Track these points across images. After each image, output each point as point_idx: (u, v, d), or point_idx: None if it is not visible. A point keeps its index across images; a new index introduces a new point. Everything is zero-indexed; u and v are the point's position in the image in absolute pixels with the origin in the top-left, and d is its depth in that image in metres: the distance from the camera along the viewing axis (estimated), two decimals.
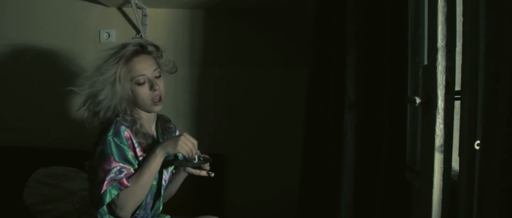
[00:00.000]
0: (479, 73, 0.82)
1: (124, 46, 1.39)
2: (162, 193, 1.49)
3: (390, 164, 1.22)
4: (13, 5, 2.29)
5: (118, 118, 1.36)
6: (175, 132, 1.62)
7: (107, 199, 1.26)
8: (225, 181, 2.23)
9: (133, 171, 1.33)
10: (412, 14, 1.35)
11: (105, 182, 1.27)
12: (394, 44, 1.21)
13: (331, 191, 1.51)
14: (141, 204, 1.36)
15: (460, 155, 0.92)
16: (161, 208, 1.52)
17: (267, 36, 2.19)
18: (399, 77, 1.22)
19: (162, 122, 1.57)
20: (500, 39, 0.74)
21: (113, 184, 1.27)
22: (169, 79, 1.54)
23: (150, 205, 1.45)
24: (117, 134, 1.33)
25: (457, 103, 0.94)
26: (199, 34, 2.22)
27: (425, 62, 1.22)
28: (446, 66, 0.92)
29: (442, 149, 0.92)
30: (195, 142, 1.35)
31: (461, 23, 0.91)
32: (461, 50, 0.91)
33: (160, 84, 1.42)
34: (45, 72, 2.26)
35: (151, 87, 1.39)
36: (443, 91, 0.92)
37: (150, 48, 1.45)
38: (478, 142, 0.80)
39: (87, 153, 1.42)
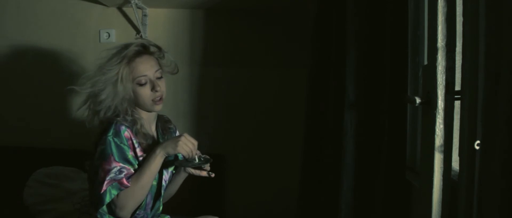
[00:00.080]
0: (479, 73, 0.82)
1: (126, 46, 1.39)
2: (162, 193, 1.49)
3: (390, 164, 1.22)
4: (13, 5, 2.29)
5: (118, 118, 1.36)
6: (175, 132, 1.62)
7: (107, 199, 1.26)
8: (225, 181, 2.23)
9: (133, 171, 1.33)
10: (412, 14, 1.35)
11: (105, 182, 1.27)
12: (394, 44, 1.21)
13: (331, 191, 1.51)
14: (141, 204, 1.36)
15: (460, 155, 0.92)
16: (161, 208, 1.52)
17: (267, 36, 2.19)
18: (399, 77, 1.22)
19: (162, 122, 1.57)
20: (500, 39, 0.74)
21: (113, 184, 1.27)
22: (169, 79, 1.55)
23: (150, 205, 1.45)
24: (117, 134, 1.33)
25: (457, 103, 0.94)
26: (199, 34, 2.22)
27: (425, 62, 1.22)
28: (446, 66, 0.92)
29: (442, 149, 0.92)
30: (195, 143, 1.35)
31: (461, 23, 0.91)
32: (461, 50, 0.91)
33: (162, 85, 1.42)
34: (45, 72, 2.26)
35: (153, 88, 1.39)
36: (443, 91, 0.92)
37: (152, 48, 1.45)
38: (478, 142, 0.80)
39: (87, 153, 1.42)
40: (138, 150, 1.38)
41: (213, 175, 1.46)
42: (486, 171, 0.77)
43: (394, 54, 1.21)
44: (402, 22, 1.20)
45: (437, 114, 0.92)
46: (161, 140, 1.49)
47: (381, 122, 1.26)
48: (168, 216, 1.59)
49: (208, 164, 1.45)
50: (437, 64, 0.92)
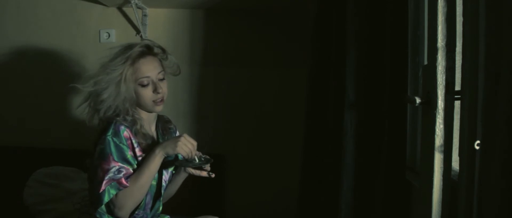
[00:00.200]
0: (479, 73, 0.82)
1: (131, 46, 1.39)
2: (162, 193, 1.49)
3: (390, 164, 1.22)
4: (13, 5, 2.29)
5: (118, 118, 1.36)
6: (176, 133, 1.62)
7: (106, 199, 1.26)
8: (225, 181, 2.23)
9: (132, 171, 1.33)
10: (412, 14, 1.35)
11: (104, 182, 1.27)
12: (394, 44, 1.21)
13: (331, 191, 1.51)
14: (140, 204, 1.36)
15: (460, 155, 0.92)
16: (161, 208, 1.52)
17: (267, 36, 2.18)
18: (399, 77, 1.22)
19: (162, 122, 1.57)
20: (500, 39, 0.74)
21: (112, 183, 1.27)
22: (169, 80, 1.54)
23: (150, 205, 1.45)
24: (117, 133, 1.33)
25: (457, 103, 0.93)
26: (199, 34, 2.22)
27: (425, 62, 1.22)
28: (446, 66, 0.92)
29: (442, 149, 0.92)
30: (195, 143, 1.35)
31: (461, 23, 0.91)
32: (461, 50, 0.91)
33: (163, 87, 1.42)
34: (45, 72, 2.26)
35: (154, 90, 1.39)
36: (443, 91, 0.92)
37: (156, 50, 1.45)
38: (478, 142, 0.80)
39: (87, 153, 1.42)
40: (137, 149, 1.38)
41: (213, 175, 1.46)
42: (486, 171, 0.77)
43: (394, 54, 1.21)
44: (402, 22, 1.20)
45: (437, 114, 0.92)
46: (161, 140, 1.49)
47: (381, 122, 1.26)
48: (168, 216, 1.59)
49: (208, 164, 1.45)
50: (437, 64, 0.92)
